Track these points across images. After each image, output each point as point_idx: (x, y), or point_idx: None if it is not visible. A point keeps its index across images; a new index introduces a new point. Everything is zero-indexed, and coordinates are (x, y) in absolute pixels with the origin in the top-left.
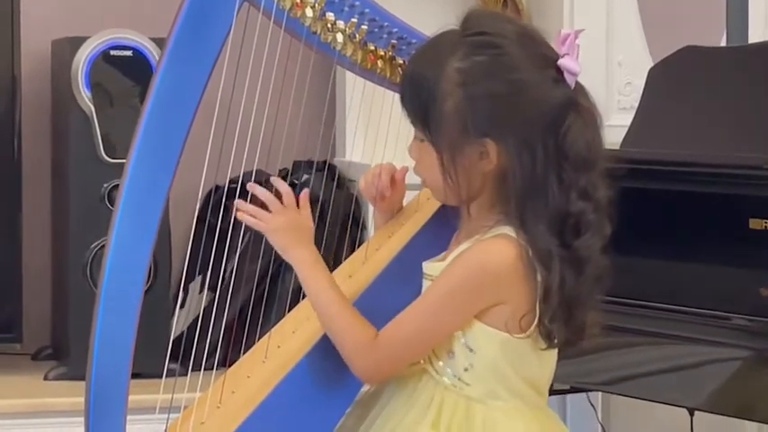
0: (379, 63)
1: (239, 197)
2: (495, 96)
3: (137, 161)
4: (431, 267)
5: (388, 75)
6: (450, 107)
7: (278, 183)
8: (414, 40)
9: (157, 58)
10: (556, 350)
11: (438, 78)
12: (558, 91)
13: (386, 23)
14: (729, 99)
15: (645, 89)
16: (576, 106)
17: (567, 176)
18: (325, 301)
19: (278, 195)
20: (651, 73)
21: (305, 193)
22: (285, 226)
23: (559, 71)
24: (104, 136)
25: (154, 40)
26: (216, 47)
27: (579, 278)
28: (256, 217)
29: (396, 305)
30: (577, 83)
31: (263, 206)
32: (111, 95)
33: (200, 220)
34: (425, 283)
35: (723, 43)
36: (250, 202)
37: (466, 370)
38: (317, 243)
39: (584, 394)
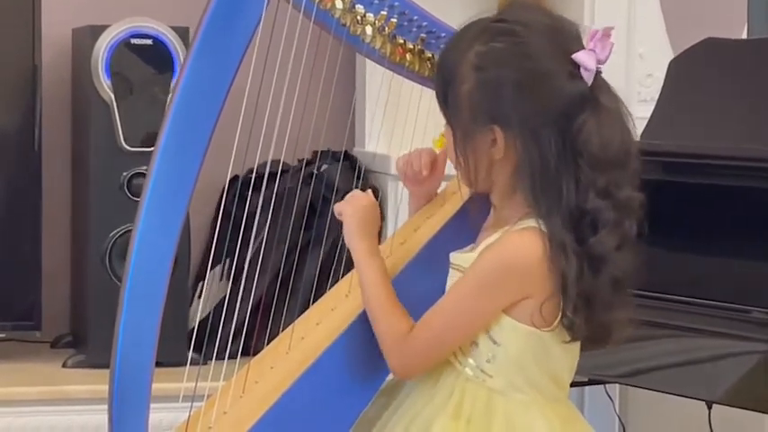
0: (408, 56)
1: (257, 187)
2: (506, 83)
3: (164, 151)
4: (459, 258)
5: (417, 68)
6: (465, 90)
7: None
8: (443, 34)
9: (177, 47)
10: (579, 344)
11: (459, 61)
12: (573, 85)
13: (415, 17)
14: (750, 91)
15: (665, 81)
16: (592, 103)
17: (584, 174)
18: (371, 294)
19: None
20: (672, 65)
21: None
22: (352, 212)
23: (578, 66)
24: (124, 124)
25: (174, 28)
26: (245, 38)
27: (597, 276)
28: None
29: (421, 298)
30: (602, 80)
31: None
32: (131, 84)
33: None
34: (452, 273)
35: (744, 35)
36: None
37: (488, 361)
38: (337, 233)
39: (601, 386)
